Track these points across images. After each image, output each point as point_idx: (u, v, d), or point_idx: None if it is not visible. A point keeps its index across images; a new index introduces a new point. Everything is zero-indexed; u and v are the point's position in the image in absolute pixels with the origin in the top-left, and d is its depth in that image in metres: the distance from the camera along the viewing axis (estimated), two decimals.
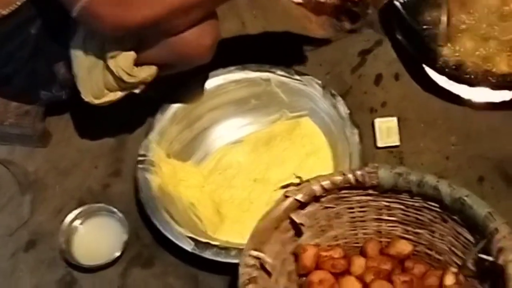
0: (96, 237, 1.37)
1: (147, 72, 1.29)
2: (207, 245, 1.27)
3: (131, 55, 1.25)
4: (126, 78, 1.27)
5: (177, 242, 1.29)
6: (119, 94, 1.31)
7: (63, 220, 1.37)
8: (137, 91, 1.31)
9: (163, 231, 1.30)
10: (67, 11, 1.16)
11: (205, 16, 1.24)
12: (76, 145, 1.53)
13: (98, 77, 1.28)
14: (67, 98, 1.44)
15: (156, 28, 1.21)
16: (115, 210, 1.37)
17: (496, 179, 1.37)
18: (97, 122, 1.51)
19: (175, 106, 1.44)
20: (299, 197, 1.11)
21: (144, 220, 1.38)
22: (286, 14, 1.63)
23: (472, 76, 1.41)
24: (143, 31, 1.21)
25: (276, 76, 1.45)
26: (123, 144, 1.52)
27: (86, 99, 1.31)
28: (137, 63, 1.27)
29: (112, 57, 1.25)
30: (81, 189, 1.47)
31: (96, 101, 1.31)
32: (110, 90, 1.31)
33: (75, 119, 1.55)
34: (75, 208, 1.39)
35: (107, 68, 1.26)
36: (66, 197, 1.46)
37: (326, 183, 1.12)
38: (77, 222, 1.38)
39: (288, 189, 1.13)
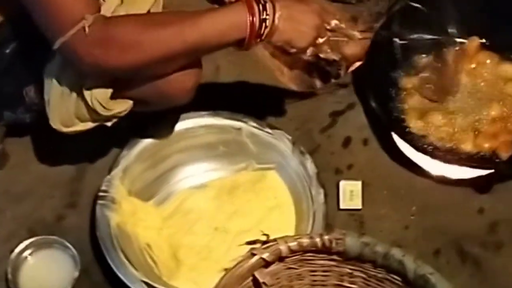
0: (46, 270, 1.33)
1: (123, 106, 1.26)
2: None
3: (108, 90, 1.22)
4: (100, 110, 1.23)
5: (130, 284, 1.26)
6: (89, 125, 1.28)
7: (13, 249, 1.32)
8: (109, 124, 1.28)
9: (116, 271, 1.27)
10: (49, 41, 1.13)
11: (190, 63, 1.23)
12: (33, 171, 1.48)
13: (70, 106, 1.24)
14: (30, 122, 1.39)
15: (138, 72, 1.19)
16: (68, 245, 1.33)
17: (452, 254, 1.39)
18: (58, 149, 1.48)
19: (142, 145, 1.41)
20: (266, 256, 1.10)
21: (96, 257, 1.35)
22: (259, 63, 1.64)
23: (437, 151, 1.44)
24: (122, 74, 1.19)
25: (248, 127, 1.45)
26: (82, 175, 1.48)
27: (54, 126, 1.27)
28: (114, 96, 1.24)
29: (88, 89, 1.22)
30: (33, 218, 1.43)
31: (64, 129, 1.28)
32: (81, 120, 1.27)
33: (36, 144, 1.50)
34: (25, 237, 1.34)
35: (82, 98, 1.23)
36: (16, 224, 1.41)
37: (293, 244, 1.11)
38: (27, 253, 1.33)
39: (255, 246, 1.11)
